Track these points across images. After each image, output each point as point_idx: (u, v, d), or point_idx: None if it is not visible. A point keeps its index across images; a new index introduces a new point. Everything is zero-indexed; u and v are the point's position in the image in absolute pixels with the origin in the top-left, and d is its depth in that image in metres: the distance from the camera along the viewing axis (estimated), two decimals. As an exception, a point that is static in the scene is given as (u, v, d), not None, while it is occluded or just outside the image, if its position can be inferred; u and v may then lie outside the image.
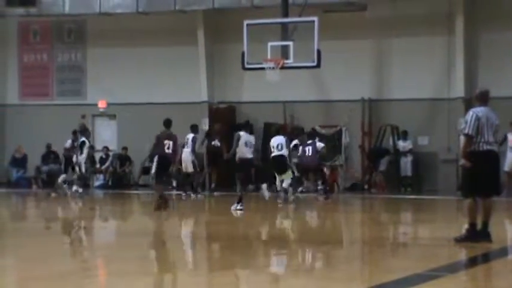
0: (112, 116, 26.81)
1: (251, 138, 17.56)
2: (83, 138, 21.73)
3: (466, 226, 11.31)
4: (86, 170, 22.04)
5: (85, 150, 21.47)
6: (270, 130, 24.24)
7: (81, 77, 27.39)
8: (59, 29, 27.52)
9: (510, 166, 20.70)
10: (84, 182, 22.71)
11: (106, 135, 26.91)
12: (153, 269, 9.73)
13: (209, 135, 22.31)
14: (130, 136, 25.68)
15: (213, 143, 21.86)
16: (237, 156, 17.01)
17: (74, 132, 22.80)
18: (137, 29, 26.17)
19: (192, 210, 18.78)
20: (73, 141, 22.54)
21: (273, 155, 19.04)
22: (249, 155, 17.17)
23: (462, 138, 11.18)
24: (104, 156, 26.31)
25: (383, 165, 23.93)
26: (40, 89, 27.74)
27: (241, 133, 17.39)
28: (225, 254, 10.87)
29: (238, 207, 16.53)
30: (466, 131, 10.97)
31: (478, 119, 10.93)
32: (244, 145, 16.99)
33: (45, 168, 26.48)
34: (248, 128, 18.80)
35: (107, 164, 26.07)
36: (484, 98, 11.23)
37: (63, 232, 14.05)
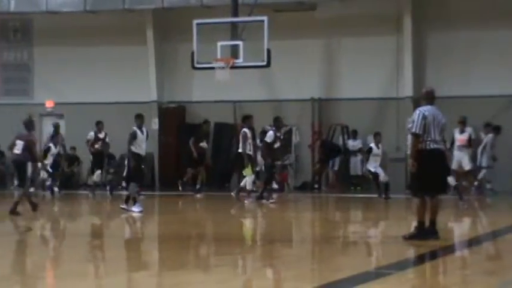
0: (60, 116, 26.47)
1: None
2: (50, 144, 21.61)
3: (414, 224, 11.41)
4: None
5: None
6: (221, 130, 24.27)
7: (28, 76, 26.99)
8: (4, 28, 27.08)
9: (457, 165, 20.94)
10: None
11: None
12: (100, 270, 9.62)
13: (197, 136, 21.83)
14: (79, 136, 25.33)
15: (201, 144, 21.47)
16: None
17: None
18: (85, 28, 25.88)
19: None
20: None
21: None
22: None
23: (410, 137, 11.27)
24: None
25: (336, 164, 24.07)
26: (-15, 88, 27.26)
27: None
28: (171, 254, 10.80)
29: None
30: (413, 130, 11.07)
31: (424, 117, 11.04)
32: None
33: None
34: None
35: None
36: (430, 97, 11.35)
37: (7, 233, 13.80)
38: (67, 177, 25.65)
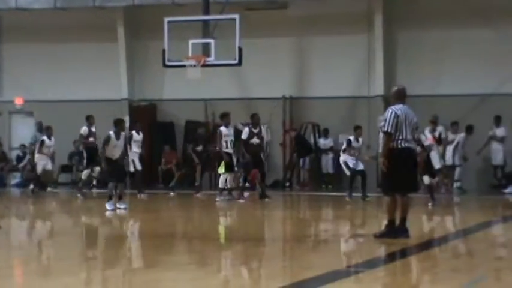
0: (29, 113, 26.26)
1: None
2: (43, 137, 21.12)
3: (385, 222, 11.45)
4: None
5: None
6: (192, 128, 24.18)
7: (-4, 73, 26.74)
8: (-27, 24, 26.82)
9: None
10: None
11: (23, 133, 26.30)
12: (69, 269, 9.55)
13: (195, 142, 21.58)
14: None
15: (197, 148, 21.25)
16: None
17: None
18: (55, 25, 25.70)
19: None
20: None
21: None
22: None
23: (382, 136, 11.29)
24: (21, 154, 25.79)
25: (307, 163, 24.13)
26: (-47, 85, 26.97)
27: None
28: (144, 252, 10.75)
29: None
30: (385, 129, 11.08)
31: (397, 116, 11.06)
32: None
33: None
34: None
35: (24, 162, 25.53)
36: (401, 96, 11.38)
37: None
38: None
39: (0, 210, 18.24)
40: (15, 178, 25.89)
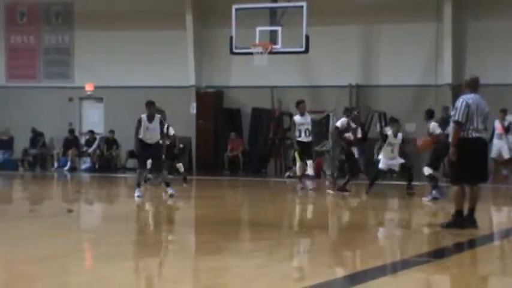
0: (99, 99, 26.73)
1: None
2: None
3: (452, 212, 11.36)
4: None
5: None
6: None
7: (69, 60, 27.27)
8: (46, 11, 27.37)
9: (497, 153, 20.80)
10: None
11: (93, 118, 26.85)
12: (136, 253, 9.73)
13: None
14: (117, 119, 25.57)
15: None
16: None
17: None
18: (125, 12, 26.03)
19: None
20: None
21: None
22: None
23: (452, 125, 11.19)
24: (90, 139, 26.29)
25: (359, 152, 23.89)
26: (27, 71, 27.60)
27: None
28: (208, 238, 10.87)
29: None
30: (455, 118, 10.97)
31: (468, 106, 10.94)
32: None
33: (32, 151, 26.46)
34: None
35: (94, 147, 26.04)
36: (474, 85, 11.24)
37: (48, 215, 13.99)
38: (106, 161, 25.97)
39: (71, 194, 18.66)
40: (85, 163, 26.41)
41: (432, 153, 15.90)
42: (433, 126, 15.84)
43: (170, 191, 16.09)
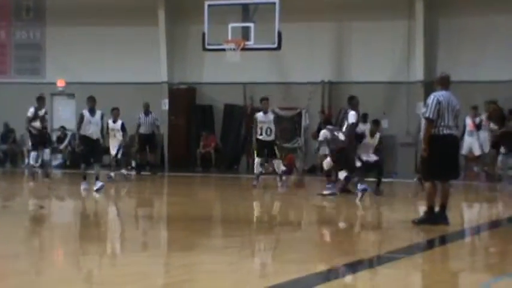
0: (71, 95, 26.54)
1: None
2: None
3: (424, 209, 11.43)
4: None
5: None
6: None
7: (40, 55, 27.06)
8: (17, 6, 27.12)
9: (468, 150, 20.94)
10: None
11: (65, 115, 26.65)
12: (107, 250, 9.69)
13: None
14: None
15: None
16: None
17: None
18: (97, 8, 25.87)
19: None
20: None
21: None
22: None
23: (423, 122, 11.26)
24: (61, 136, 26.12)
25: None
26: (-2, 67, 27.36)
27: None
28: (179, 235, 10.85)
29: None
30: (427, 115, 11.05)
31: (439, 102, 11.02)
32: None
33: (3, 147, 26.22)
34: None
35: (65, 143, 25.86)
36: (445, 82, 11.33)
37: (20, 211, 13.87)
38: (77, 157, 25.77)
39: (43, 191, 18.52)
40: (56, 159, 26.20)
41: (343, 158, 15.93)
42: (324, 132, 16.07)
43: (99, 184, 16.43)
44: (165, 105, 25.45)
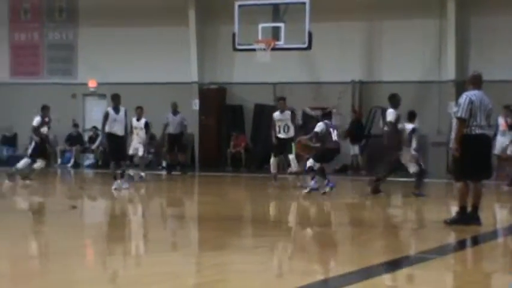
0: (102, 96, 26.72)
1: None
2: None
3: (456, 209, 11.36)
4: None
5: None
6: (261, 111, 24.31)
7: (72, 56, 27.28)
8: (50, 8, 27.38)
9: (500, 150, 20.75)
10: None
11: (96, 115, 26.81)
12: (140, 249, 9.75)
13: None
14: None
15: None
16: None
17: None
18: (128, 9, 26.03)
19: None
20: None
21: None
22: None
23: (455, 122, 11.18)
24: (93, 136, 26.31)
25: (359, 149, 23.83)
26: (30, 68, 27.63)
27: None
28: (211, 235, 10.88)
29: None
30: (459, 114, 10.97)
31: (471, 102, 10.94)
32: None
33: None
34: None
35: (97, 143, 26.04)
36: (477, 82, 11.24)
37: (52, 211, 14.00)
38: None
39: (75, 191, 18.68)
40: (88, 159, 26.41)
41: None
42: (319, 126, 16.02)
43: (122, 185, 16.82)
44: (196, 105, 25.53)
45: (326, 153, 16.07)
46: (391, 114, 15.85)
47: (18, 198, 16.83)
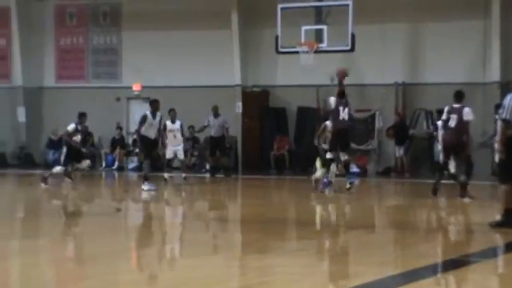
0: (146, 99, 26.90)
1: None
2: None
3: (501, 212, 11.23)
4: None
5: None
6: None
7: (117, 60, 27.57)
8: (94, 12, 27.72)
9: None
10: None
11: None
12: (183, 252, 9.81)
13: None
14: (164, 119, 25.68)
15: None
16: None
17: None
18: (171, 12, 26.23)
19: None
20: None
21: None
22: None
23: (500, 123, 11.06)
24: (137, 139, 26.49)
25: (402, 150, 23.65)
26: (76, 72, 27.98)
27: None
28: (254, 237, 10.90)
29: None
30: (503, 116, 10.85)
31: (516, 103, 10.82)
32: None
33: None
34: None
35: (141, 146, 26.21)
36: (522, 82, 11.12)
37: (97, 214, 14.14)
38: (153, 160, 26.11)
39: (119, 194, 18.85)
40: (132, 162, 26.63)
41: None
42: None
43: (147, 186, 17.23)
44: (239, 108, 25.61)
45: (334, 137, 15.89)
46: (469, 112, 15.32)
47: (59, 201, 17.01)
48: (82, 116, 19.19)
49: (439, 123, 16.22)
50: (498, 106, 18.34)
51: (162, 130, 18.78)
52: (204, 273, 7.92)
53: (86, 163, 19.20)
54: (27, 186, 20.69)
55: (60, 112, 27.23)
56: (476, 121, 22.83)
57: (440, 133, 15.93)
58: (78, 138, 18.94)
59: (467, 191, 15.38)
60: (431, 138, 23.68)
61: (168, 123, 19.99)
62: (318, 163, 16.77)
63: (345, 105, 16.11)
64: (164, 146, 19.79)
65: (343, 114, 15.93)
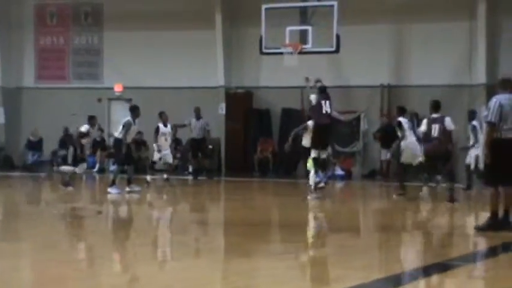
0: (128, 100, 26.69)
1: None
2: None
3: (487, 215, 11.11)
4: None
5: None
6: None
7: (98, 60, 27.32)
8: (75, 12, 27.45)
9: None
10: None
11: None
12: (166, 255, 9.62)
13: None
14: (146, 120, 25.43)
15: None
16: None
17: None
18: (154, 13, 26.01)
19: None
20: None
21: None
22: None
23: (485, 126, 10.95)
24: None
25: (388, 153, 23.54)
26: (56, 72, 27.70)
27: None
28: (237, 240, 10.72)
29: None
30: (489, 119, 10.75)
31: (501, 106, 10.73)
32: None
33: (62, 151, 26.44)
34: None
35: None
36: (507, 85, 11.02)
37: (78, 216, 13.91)
38: (134, 162, 25.88)
39: (100, 196, 18.62)
40: (113, 164, 26.33)
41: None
42: None
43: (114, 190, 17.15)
44: (222, 109, 25.41)
45: (317, 133, 15.79)
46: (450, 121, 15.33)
47: (39, 204, 16.80)
48: (92, 119, 19.08)
49: (420, 133, 16.10)
50: (472, 112, 18.47)
51: (155, 134, 19.76)
52: (188, 277, 7.79)
53: (82, 167, 18.95)
54: (6, 189, 20.41)
55: (40, 113, 26.99)
56: (463, 123, 22.91)
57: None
58: (85, 141, 18.87)
59: (453, 195, 15.28)
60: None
61: (161, 126, 19.93)
62: (309, 164, 16.64)
63: (327, 98, 16.01)
64: (160, 149, 19.93)
65: (326, 107, 15.83)
